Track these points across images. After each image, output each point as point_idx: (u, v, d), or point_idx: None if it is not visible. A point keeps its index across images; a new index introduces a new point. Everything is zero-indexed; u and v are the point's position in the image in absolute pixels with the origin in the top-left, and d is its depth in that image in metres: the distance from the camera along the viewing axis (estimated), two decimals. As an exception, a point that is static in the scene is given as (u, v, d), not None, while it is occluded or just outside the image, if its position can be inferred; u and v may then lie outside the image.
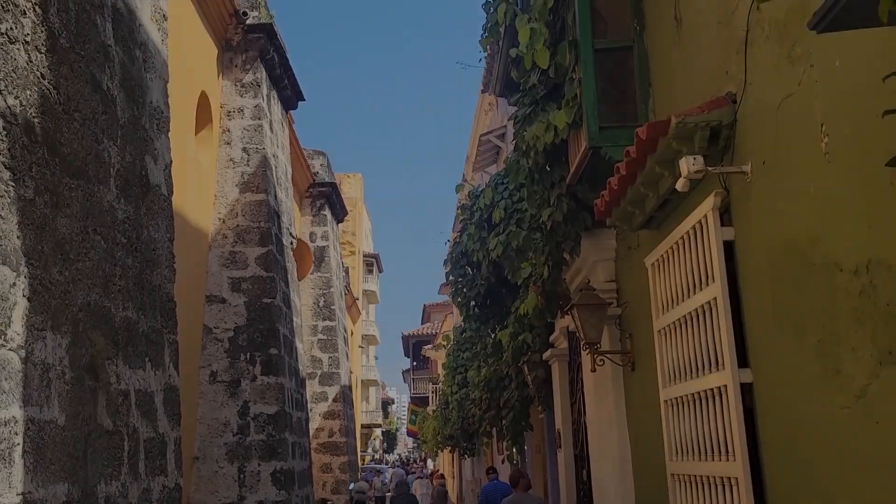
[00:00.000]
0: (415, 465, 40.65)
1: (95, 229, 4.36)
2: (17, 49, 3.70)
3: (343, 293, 20.98)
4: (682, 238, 4.18)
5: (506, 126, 13.50)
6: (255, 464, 10.05)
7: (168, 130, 5.88)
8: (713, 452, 3.82)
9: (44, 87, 3.91)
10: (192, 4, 9.95)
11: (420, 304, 52.22)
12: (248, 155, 11.12)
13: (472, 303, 9.75)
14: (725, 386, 3.67)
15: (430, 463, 39.90)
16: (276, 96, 12.50)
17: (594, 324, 5.62)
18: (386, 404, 60.99)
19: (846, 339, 2.75)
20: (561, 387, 8.15)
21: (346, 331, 20.76)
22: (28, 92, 3.75)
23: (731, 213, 3.78)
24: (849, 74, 2.70)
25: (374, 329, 47.11)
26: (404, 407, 66.75)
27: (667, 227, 4.61)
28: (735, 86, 3.67)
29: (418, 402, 41.37)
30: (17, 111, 3.63)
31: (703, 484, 4.00)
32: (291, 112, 13.87)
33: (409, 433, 50.89)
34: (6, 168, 3.49)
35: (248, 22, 11.22)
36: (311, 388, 17.26)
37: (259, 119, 11.27)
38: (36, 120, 3.79)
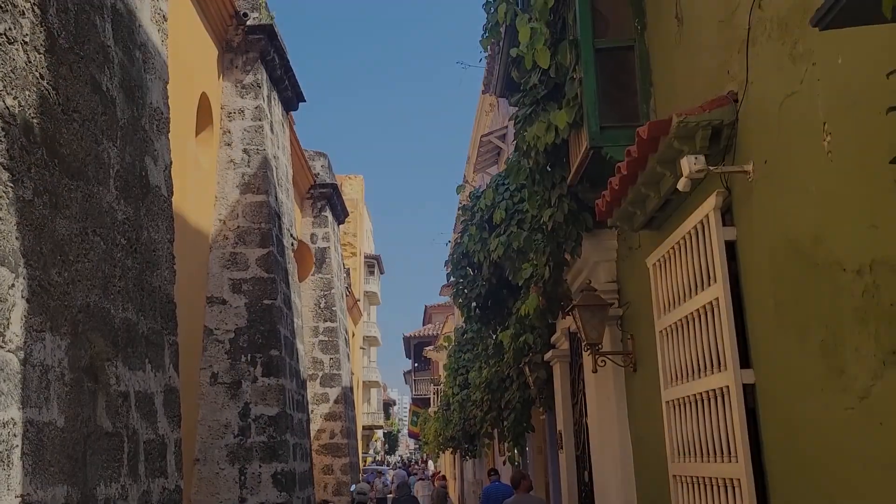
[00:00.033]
0: (416, 467, 40.60)
1: (95, 230, 4.35)
2: (16, 49, 3.69)
3: (344, 294, 20.97)
4: (683, 238, 4.17)
5: (506, 127, 13.50)
6: (256, 465, 10.03)
7: (168, 131, 5.87)
8: (715, 454, 3.80)
9: (43, 88, 3.90)
10: (192, 5, 9.95)
11: (421, 305, 52.28)
12: (249, 156, 11.11)
13: (474, 304, 9.74)
14: (727, 387, 3.65)
15: (431, 464, 39.84)
16: (276, 97, 12.50)
17: (595, 325, 5.60)
18: (387, 406, 60.96)
19: (849, 340, 2.73)
20: (562, 388, 8.14)
21: (347, 332, 20.74)
22: (27, 93, 3.74)
23: (732, 212, 3.76)
24: (851, 72, 2.68)
25: (375, 330, 47.12)
26: (406, 408, 66.84)
27: (668, 227, 4.59)
28: (736, 85, 3.65)
29: (420, 403, 41.41)
30: (16, 112, 3.62)
31: (705, 485, 3.98)
32: (292, 113, 13.86)
33: (411, 434, 50.83)
34: (5, 169, 3.48)
35: (248, 23, 11.22)
36: (313, 389, 17.26)
37: (260, 120, 11.26)
38: (35, 121, 3.78)
